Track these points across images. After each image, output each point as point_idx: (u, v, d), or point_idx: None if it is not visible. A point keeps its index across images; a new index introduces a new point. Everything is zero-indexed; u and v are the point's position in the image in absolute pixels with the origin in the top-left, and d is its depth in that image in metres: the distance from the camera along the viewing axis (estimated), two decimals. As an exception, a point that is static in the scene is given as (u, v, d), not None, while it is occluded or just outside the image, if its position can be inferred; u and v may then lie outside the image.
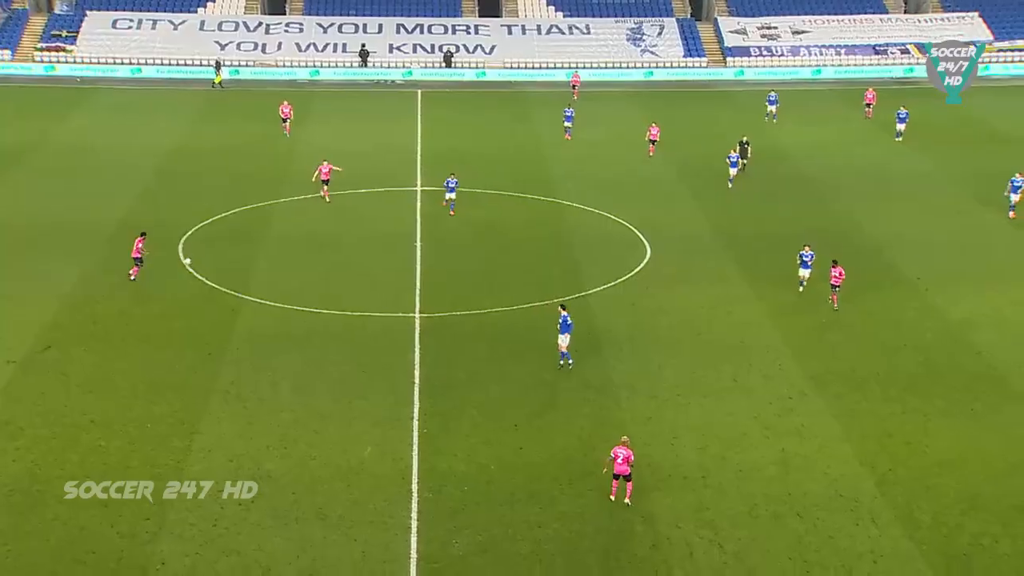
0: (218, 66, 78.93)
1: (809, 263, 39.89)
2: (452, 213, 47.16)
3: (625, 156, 60.11)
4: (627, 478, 27.53)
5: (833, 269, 38.93)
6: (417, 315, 39.06)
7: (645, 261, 44.37)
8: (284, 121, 62.40)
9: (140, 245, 41.16)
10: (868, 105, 66.12)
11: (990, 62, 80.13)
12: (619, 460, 27.51)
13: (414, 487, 28.79)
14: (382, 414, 32.41)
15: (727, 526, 27.21)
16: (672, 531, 26.98)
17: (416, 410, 32.65)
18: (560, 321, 34.49)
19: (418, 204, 51.49)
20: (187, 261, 42.59)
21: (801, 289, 40.17)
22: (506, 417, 32.40)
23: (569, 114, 62.52)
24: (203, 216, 48.94)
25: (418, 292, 41.08)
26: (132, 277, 41.23)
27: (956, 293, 41.02)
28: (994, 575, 25.29)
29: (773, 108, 65.67)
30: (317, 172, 50.55)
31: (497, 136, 65.65)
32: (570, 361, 34.64)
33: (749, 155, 54.12)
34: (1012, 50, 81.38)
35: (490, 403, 33.23)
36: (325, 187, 50.29)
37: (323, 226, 48.61)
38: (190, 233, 46.82)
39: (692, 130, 65.83)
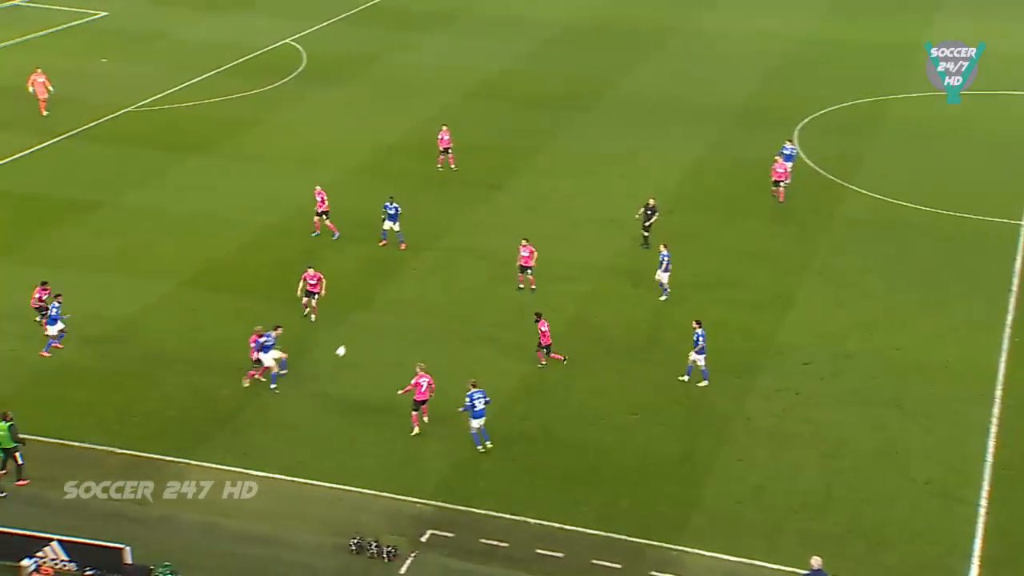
0: None
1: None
2: None
3: None
4: None
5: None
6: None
7: None
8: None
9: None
10: None
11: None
12: None
13: (997, 393, 29.27)
14: (972, 317, 33.09)
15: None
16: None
17: (1009, 319, 32.93)
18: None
19: None
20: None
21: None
22: None
23: None
24: (820, 105, 50.85)
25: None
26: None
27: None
28: None
29: None
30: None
31: None
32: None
33: None
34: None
35: None
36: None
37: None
38: (806, 121, 49.03)
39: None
